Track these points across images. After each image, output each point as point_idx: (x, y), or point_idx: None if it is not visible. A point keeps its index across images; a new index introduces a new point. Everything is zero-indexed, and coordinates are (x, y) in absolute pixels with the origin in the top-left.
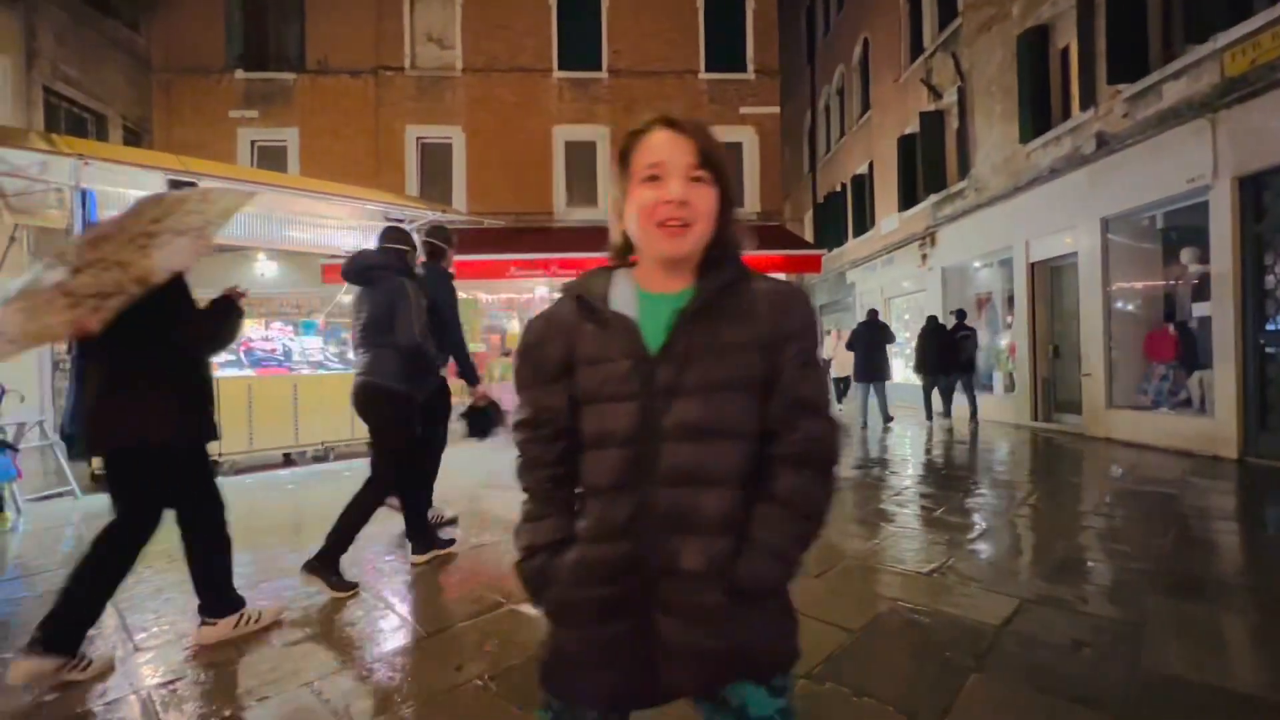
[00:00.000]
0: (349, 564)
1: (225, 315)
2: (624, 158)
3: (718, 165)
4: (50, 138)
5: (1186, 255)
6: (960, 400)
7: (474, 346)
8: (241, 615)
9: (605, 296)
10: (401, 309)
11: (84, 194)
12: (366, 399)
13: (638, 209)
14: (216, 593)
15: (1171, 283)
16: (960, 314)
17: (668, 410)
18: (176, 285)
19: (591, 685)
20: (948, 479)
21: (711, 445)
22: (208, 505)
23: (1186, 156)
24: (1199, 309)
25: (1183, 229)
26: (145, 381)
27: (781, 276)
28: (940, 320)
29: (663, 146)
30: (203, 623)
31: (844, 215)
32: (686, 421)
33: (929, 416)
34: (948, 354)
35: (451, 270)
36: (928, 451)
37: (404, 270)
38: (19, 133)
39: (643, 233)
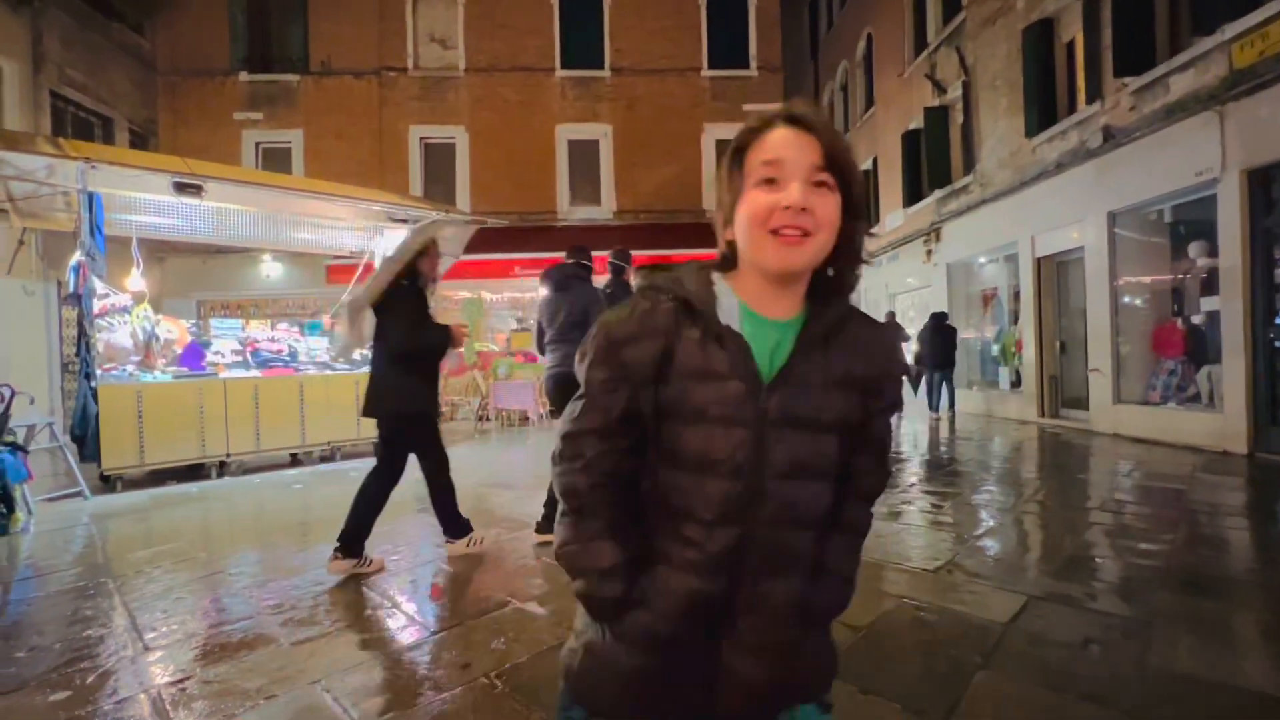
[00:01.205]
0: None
1: (444, 334)
2: (738, 155)
3: (845, 169)
4: (57, 141)
5: (1195, 249)
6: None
7: (480, 345)
8: (470, 538)
9: (712, 305)
10: (594, 312)
11: (91, 197)
12: (563, 387)
13: (749, 213)
14: (452, 520)
15: (1180, 277)
16: (944, 315)
17: (777, 444)
18: (420, 301)
19: (640, 706)
20: (953, 475)
21: (811, 485)
22: (442, 459)
23: (1194, 149)
24: (1208, 303)
25: (1191, 223)
26: (407, 367)
27: None
28: (948, 318)
29: (783, 144)
30: (447, 541)
31: None
32: (797, 458)
33: (933, 408)
34: (949, 350)
35: (632, 283)
36: (933, 446)
37: (589, 280)
38: (27, 137)
39: (753, 241)
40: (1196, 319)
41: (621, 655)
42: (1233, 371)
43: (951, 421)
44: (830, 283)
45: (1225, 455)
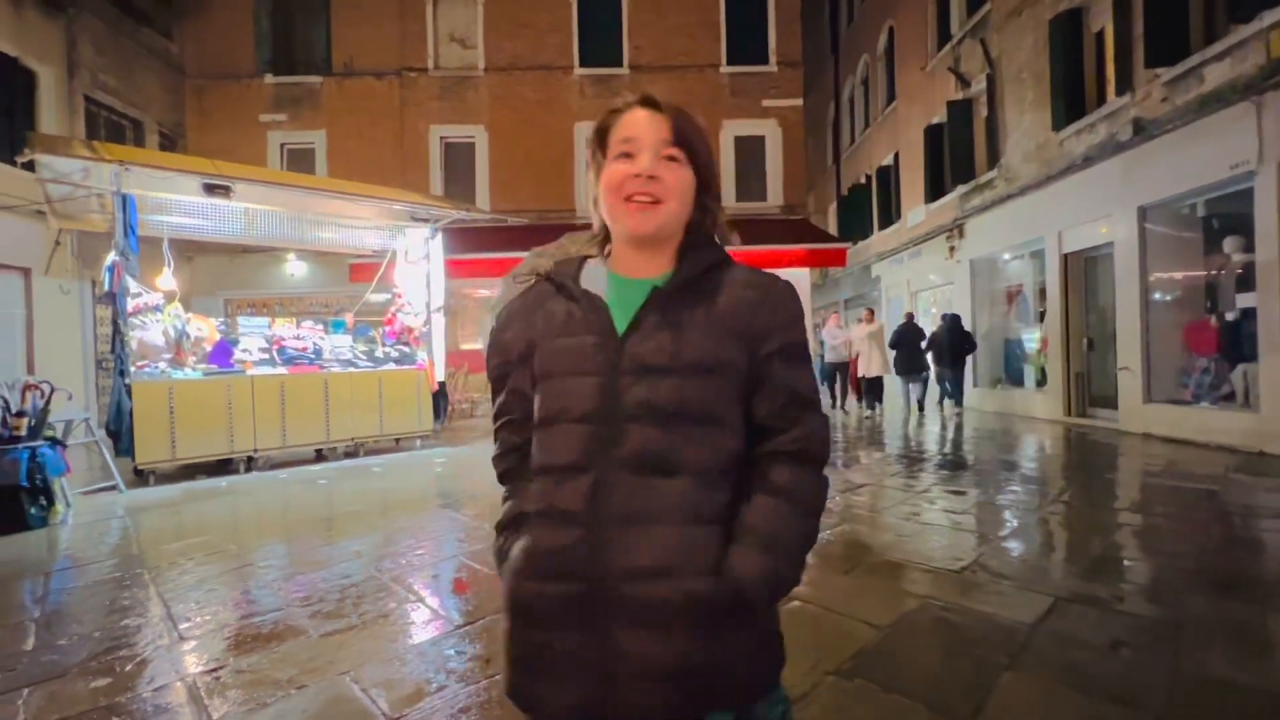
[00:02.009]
0: (379, 557)
1: None
2: (601, 136)
3: (692, 145)
4: (92, 145)
5: (1230, 244)
6: (936, 390)
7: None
8: None
9: (575, 276)
10: None
11: (125, 199)
12: None
13: (607, 183)
14: None
15: (1214, 272)
16: (958, 317)
17: (631, 390)
18: None
19: (547, 699)
20: (977, 474)
21: (678, 430)
22: None
23: (1230, 141)
24: (1243, 299)
25: (1226, 217)
26: None
27: (804, 270)
28: (960, 318)
29: (637, 123)
30: None
31: (869, 207)
32: (652, 402)
33: (941, 401)
34: (961, 351)
35: None
36: (957, 446)
37: None
38: (64, 141)
39: (611, 209)
40: (1231, 315)
41: (515, 635)
42: (1270, 369)
43: (959, 418)
44: (690, 242)
45: (1261, 456)
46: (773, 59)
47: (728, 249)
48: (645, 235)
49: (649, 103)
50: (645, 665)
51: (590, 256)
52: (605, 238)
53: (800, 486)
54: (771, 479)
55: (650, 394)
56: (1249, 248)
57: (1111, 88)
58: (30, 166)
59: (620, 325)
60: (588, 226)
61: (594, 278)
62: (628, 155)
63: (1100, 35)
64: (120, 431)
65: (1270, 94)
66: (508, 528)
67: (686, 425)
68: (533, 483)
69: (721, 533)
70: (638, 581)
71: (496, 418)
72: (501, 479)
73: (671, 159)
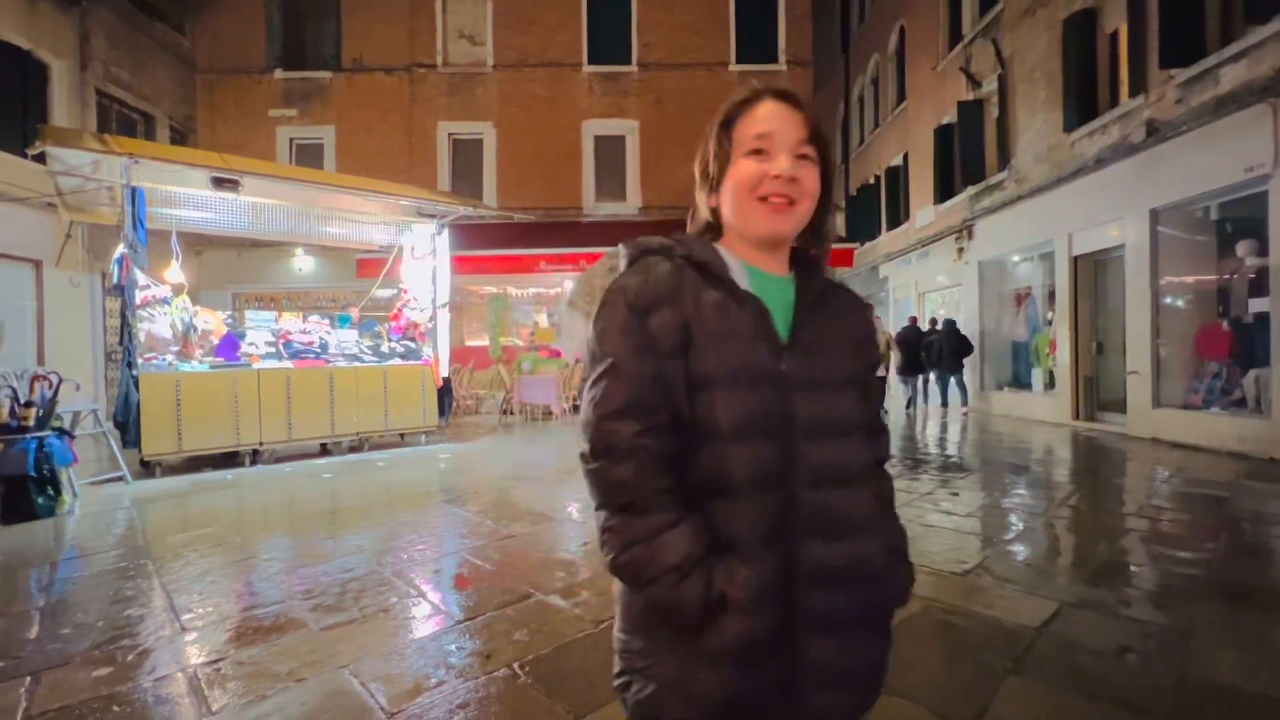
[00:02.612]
0: (381, 551)
1: None
2: (726, 126)
3: (825, 146)
4: (103, 138)
5: (1243, 248)
6: (933, 391)
7: (506, 340)
8: None
9: (723, 267)
10: None
11: (134, 191)
12: None
13: (739, 181)
14: None
15: (1226, 277)
16: (932, 320)
17: (802, 404)
18: None
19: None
20: (984, 477)
21: (844, 440)
22: None
23: (1245, 144)
24: (1256, 304)
25: (1239, 220)
26: None
27: None
28: (957, 324)
29: (773, 117)
30: None
31: (877, 207)
32: (823, 416)
33: (944, 404)
34: (961, 355)
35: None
36: (961, 449)
37: None
38: (75, 133)
39: (741, 207)
40: (1244, 320)
41: (705, 676)
42: None
43: (965, 418)
44: (806, 251)
45: (1272, 462)
46: (782, 58)
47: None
48: (781, 237)
49: (785, 97)
50: (831, 670)
51: (708, 239)
52: (713, 229)
53: (889, 488)
54: (882, 489)
55: (819, 409)
56: (1263, 251)
57: (1125, 89)
58: (41, 159)
59: (779, 329)
60: (594, 225)
61: (737, 269)
62: (761, 151)
63: (1114, 36)
64: (127, 423)
65: None
66: (708, 563)
67: (847, 438)
68: (713, 500)
69: (889, 535)
70: (829, 592)
71: (619, 417)
72: (631, 503)
73: (804, 158)
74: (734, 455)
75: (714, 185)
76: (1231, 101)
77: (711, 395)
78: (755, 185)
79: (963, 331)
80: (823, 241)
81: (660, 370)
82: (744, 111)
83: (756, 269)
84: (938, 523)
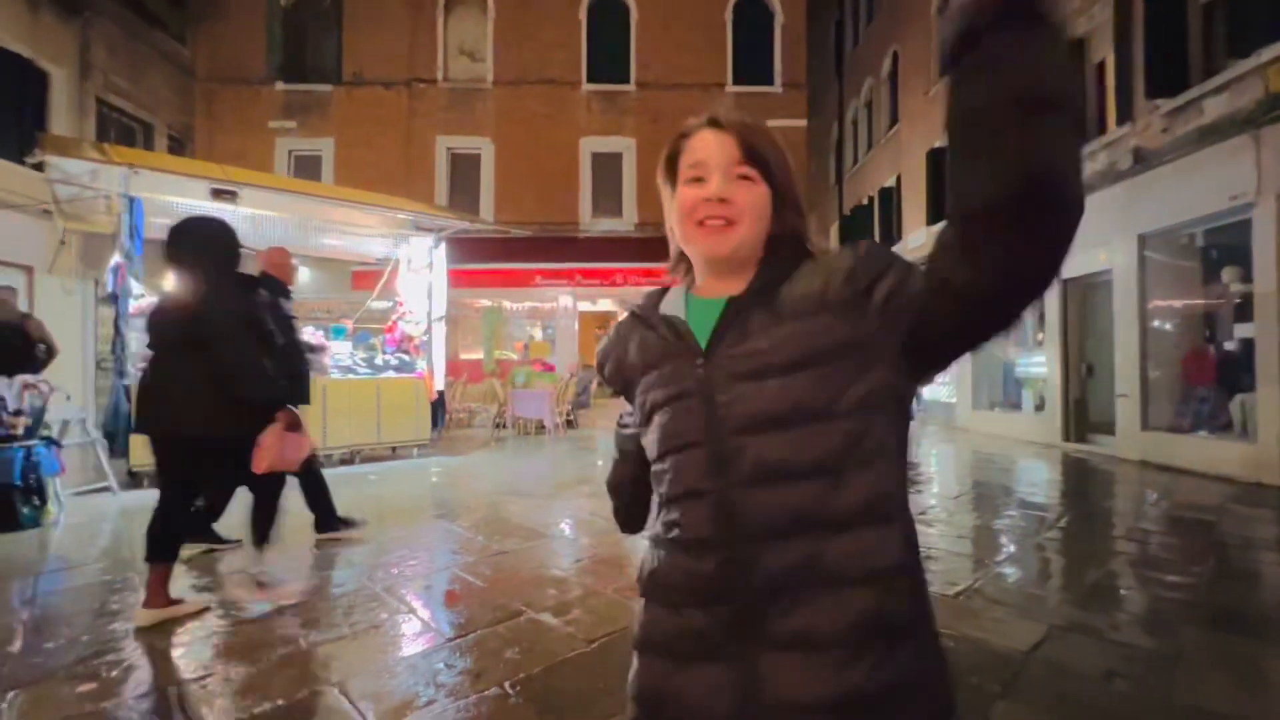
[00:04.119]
0: (372, 566)
1: None
2: (671, 163)
3: (764, 161)
4: (102, 147)
5: (1228, 274)
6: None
7: (500, 354)
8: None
9: (655, 305)
10: None
11: (132, 201)
12: None
13: (679, 208)
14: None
15: (1212, 302)
16: None
17: (730, 403)
18: None
19: None
20: (974, 499)
21: (792, 433)
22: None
23: (1229, 173)
24: (1241, 330)
25: (1224, 247)
26: None
27: None
28: None
29: (704, 145)
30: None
31: (870, 228)
32: (755, 412)
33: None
34: None
35: None
36: (953, 469)
37: None
38: (74, 142)
39: (684, 235)
40: (1229, 345)
41: (649, 665)
42: (1267, 400)
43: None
44: (770, 255)
45: (1259, 487)
46: (778, 80)
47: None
48: (720, 258)
49: (714, 122)
50: (795, 698)
51: (666, 289)
52: (682, 265)
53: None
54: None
55: (755, 403)
56: (1247, 278)
57: (1112, 117)
58: (40, 167)
59: (703, 342)
60: (590, 240)
61: (674, 303)
62: (698, 180)
63: (1101, 65)
64: (116, 432)
65: (1268, 128)
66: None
67: (803, 424)
68: (662, 515)
69: (876, 533)
70: (781, 603)
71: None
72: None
73: (744, 178)
74: (668, 468)
75: (672, 222)
76: (1215, 132)
77: (649, 423)
78: (692, 210)
79: None
80: (799, 247)
81: (629, 401)
82: (683, 145)
83: (699, 297)
84: (928, 544)
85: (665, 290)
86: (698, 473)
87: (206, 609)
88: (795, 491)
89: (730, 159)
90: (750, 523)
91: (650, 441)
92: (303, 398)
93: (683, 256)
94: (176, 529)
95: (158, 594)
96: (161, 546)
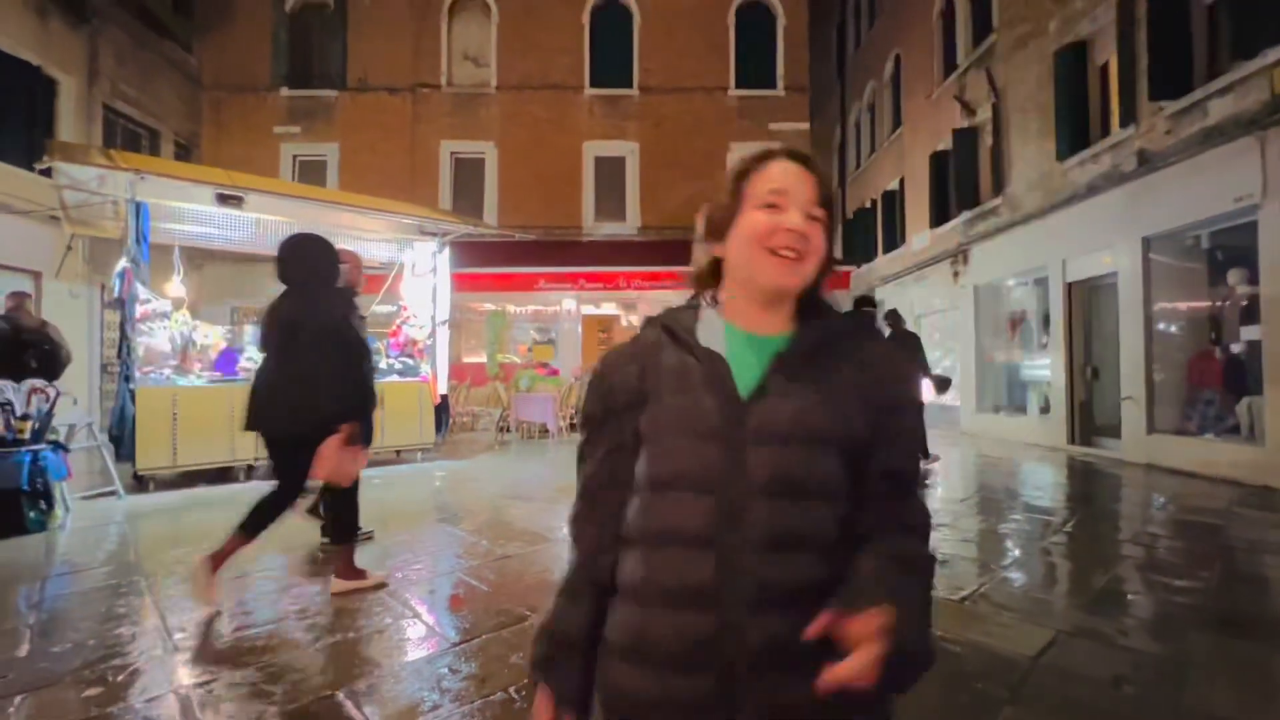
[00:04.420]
0: (376, 571)
1: None
2: (740, 179)
3: (831, 208)
4: (109, 153)
5: (1234, 276)
6: None
7: (503, 357)
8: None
9: (692, 329)
10: None
11: (139, 206)
12: None
13: (750, 231)
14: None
15: (1218, 304)
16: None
17: (760, 460)
18: None
19: None
20: (979, 503)
21: (806, 504)
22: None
23: (1234, 175)
24: (1247, 332)
25: (1230, 249)
26: None
27: None
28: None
29: (788, 175)
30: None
31: (874, 231)
32: (783, 474)
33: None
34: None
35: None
36: (958, 473)
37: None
38: (82, 149)
39: (750, 258)
40: (1236, 348)
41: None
42: (1275, 403)
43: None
44: (813, 307)
45: (1267, 490)
46: (780, 83)
47: None
48: (787, 289)
49: (798, 157)
50: None
51: (699, 306)
52: (708, 279)
53: (918, 556)
54: (897, 550)
55: (781, 466)
56: (1253, 280)
57: (1116, 119)
58: (48, 173)
59: (742, 386)
60: (594, 244)
61: (710, 329)
62: (774, 206)
63: (1104, 68)
64: (122, 436)
65: (1274, 129)
66: (567, 596)
67: (815, 498)
68: (627, 551)
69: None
70: (774, 671)
71: (583, 475)
72: (575, 541)
73: (813, 218)
74: (656, 505)
75: (720, 235)
76: (1220, 133)
77: (650, 448)
78: (767, 236)
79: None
80: (822, 297)
81: (608, 427)
82: (759, 168)
83: (738, 328)
84: (934, 548)
85: (696, 309)
86: (704, 521)
87: (385, 583)
88: (797, 562)
89: (810, 197)
90: (751, 586)
91: (639, 469)
92: (368, 408)
93: (713, 271)
94: (352, 513)
95: (347, 566)
96: (346, 530)
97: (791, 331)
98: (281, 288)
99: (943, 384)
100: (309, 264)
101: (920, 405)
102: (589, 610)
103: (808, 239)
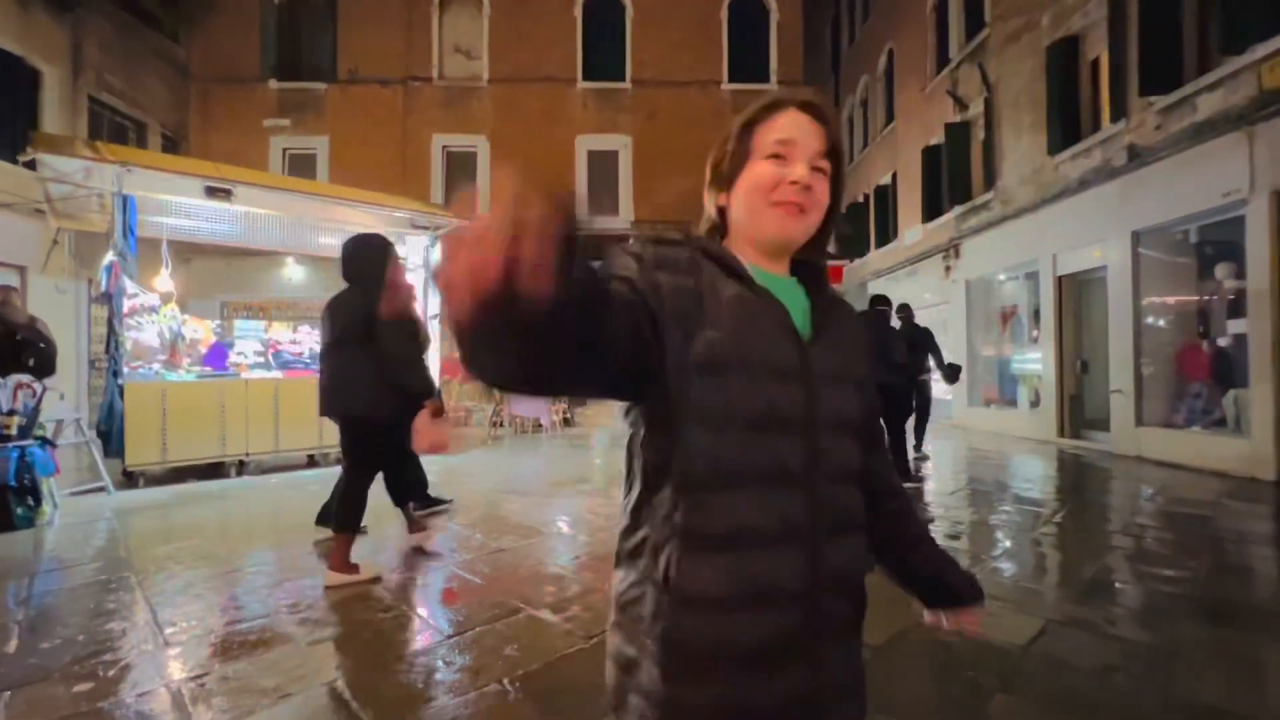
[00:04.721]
0: (429, 567)
1: None
2: (747, 128)
3: (839, 162)
4: (95, 145)
5: (1222, 270)
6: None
7: None
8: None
9: (739, 260)
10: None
11: (125, 199)
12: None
13: (755, 183)
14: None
15: (1206, 298)
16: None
17: (827, 399)
18: None
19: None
20: (970, 494)
21: (850, 440)
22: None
23: (1222, 170)
24: (1235, 326)
25: (1218, 243)
26: None
27: None
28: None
29: (796, 126)
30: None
31: (866, 225)
32: (839, 412)
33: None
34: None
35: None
36: (948, 465)
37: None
38: (66, 141)
39: (753, 209)
40: (1223, 341)
41: (714, 685)
42: (1261, 396)
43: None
44: (809, 264)
45: (1253, 482)
46: (774, 77)
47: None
48: (791, 242)
49: (810, 108)
50: (839, 685)
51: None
52: (717, 229)
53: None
54: (899, 498)
55: (840, 405)
56: (1240, 274)
57: (1106, 114)
58: (32, 165)
59: (801, 328)
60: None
61: (749, 267)
62: (780, 157)
63: (1095, 63)
64: (110, 432)
65: (1261, 124)
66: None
67: (854, 434)
68: (709, 491)
69: (864, 539)
70: (839, 597)
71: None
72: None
73: (819, 170)
74: (751, 447)
75: (726, 184)
76: (1209, 129)
77: (725, 382)
78: (771, 188)
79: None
80: (823, 255)
81: (645, 301)
82: (767, 116)
83: (763, 270)
84: None
85: (717, 239)
86: (798, 460)
87: (379, 578)
88: (850, 492)
89: (816, 149)
90: (830, 516)
91: (713, 400)
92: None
93: (719, 223)
94: (358, 503)
95: (342, 560)
96: (346, 517)
97: (794, 279)
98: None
99: (953, 372)
100: (369, 258)
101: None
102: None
103: (811, 192)
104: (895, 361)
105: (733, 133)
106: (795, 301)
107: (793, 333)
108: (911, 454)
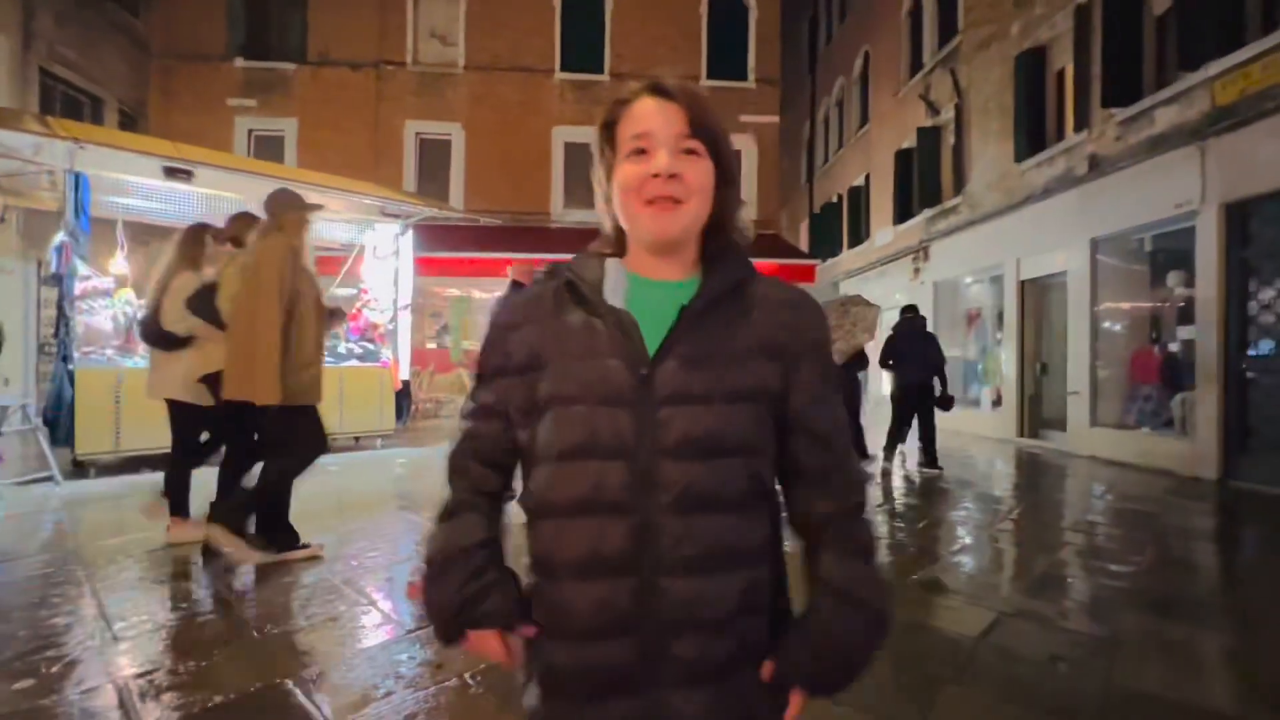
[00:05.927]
0: (331, 559)
1: None
2: (608, 130)
3: (712, 135)
4: (46, 120)
5: (1173, 278)
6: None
7: (468, 344)
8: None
9: (598, 283)
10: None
11: (78, 178)
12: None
13: (622, 185)
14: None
15: (1158, 304)
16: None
17: (670, 422)
18: None
19: None
20: (929, 491)
21: (716, 463)
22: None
23: (1176, 181)
24: (1184, 331)
25: (1170, 252)
26: None
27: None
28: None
29: (650, 115)
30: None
31: (839, 226)
32: (694, 434)
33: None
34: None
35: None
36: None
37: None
38: (14, 114)
39: (628, 212)
40: (1173, 346)
41: (558, 708)
42: (1205, 399)
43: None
44: (717, 250)
45: (1196, 481)
46: (751, 76)
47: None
48: (668, 240)
49: (658, 90)
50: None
51: (607, 255)
52: (618, 240)
53: (856, 533)
54: (833, 531)
55: (691, 426)
56: (1190, 283)
57: (1070, 124)
58: None
59: (650, 341)
60: (562, 231)
61: (615, 280)
62: (641, 152)
63: (1061, 74)
64: (59, 420)
65: (1213, 139)
66: (483, 547)
67: (727, 456)
68: (539, 523)
69: (765, 571)
70: (695, 635)
71: (473, 416)
72: (455, 475)
73: (690, 152)
74: (567, 475)
75: (608, 195)
76: (1165, 141)
77: (552, 417)
78: (639, 188)
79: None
80: (729, 237)
81: (511, 383)
82: (623, 112)
83: (644, 278)
84: (885, 534)
85: (602, 260)
86: (616, 487)
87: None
88: (712, 522)
89: (677, 131)
90: (667, 549)
91: (543, 437)
92: None
93: (618, 233)
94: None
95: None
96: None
97: (696, 276)
98: None
99: (949, 403)
100: None
101: (828, 348)
102: (485, 516)
103: (680, 179)
104: (941, 369)
105: (596, 139)
106: (668, 309)
107: (630, 355)
108: (920, 470)
